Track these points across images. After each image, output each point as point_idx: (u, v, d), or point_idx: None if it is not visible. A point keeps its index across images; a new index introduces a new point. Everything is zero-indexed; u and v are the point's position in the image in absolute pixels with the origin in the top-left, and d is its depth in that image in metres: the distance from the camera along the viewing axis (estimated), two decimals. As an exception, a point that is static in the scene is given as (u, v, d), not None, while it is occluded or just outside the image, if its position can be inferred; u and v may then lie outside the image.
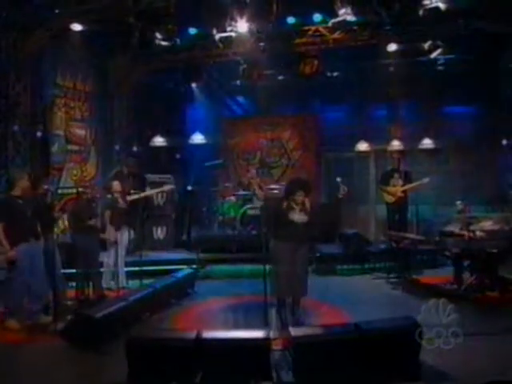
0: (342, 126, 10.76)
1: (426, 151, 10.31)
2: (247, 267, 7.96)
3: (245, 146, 11.51)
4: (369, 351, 4.32)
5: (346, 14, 6.90)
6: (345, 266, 8.47)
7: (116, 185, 7.31)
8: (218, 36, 7.49)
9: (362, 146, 10.54)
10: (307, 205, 5.43)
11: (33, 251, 5.58)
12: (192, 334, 4.28)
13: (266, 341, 4.19)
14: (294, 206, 5.34)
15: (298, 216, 5.30)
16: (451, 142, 10.14)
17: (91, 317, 4.90)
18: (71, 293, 6.55)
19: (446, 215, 9.87)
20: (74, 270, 6.64)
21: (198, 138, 10.62)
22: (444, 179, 10.02)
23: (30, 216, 5.64)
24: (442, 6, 6.30)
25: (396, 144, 10.34)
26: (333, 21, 7.28)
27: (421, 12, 6.53)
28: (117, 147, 10.12)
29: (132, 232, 7.36)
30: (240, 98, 11.42)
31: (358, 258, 8.49)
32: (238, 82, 10.63)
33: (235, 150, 11.47)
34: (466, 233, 6.49)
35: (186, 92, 10.72)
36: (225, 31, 7.35)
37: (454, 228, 6.83)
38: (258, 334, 4.37)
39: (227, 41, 7.40)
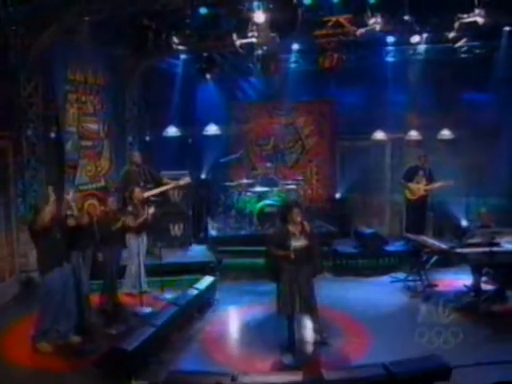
0: (358, 113, 10.41)
1: (444, 141, 10.08)
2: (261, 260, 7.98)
3: (259, 132, 11.27)
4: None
5: (375, 24, 6.54)
6: (360, 262, 8.57)
7: (138, 192, 7.24)
8: (238, 42, 7.09)
9: (379, 135, 10.30)
10: (307, 228, 5.52)
11: (65, 275, 5.73)
12: (227, 378, 4.41)
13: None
14: (294, 230, 5.45)
15: (297, 242, 5.41)
16: (469, 132, 9.87)
17: (124, 350, 4.99)
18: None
19: (463, 206, 9.90)
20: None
21: (212, 129, 10.38)
22: (461, 170, 9.86)
23: (60, 240, 5.70)
24: (480, 20, 5.92)
25: (413, 134, 10.12)
26: (361, 30, 6.88)
27: (457, 25, 6.16)
28: (129, 138, 9.95)
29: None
30: (254, 82, 11.01)
31: (374, 257, 8.56)
32: (252, 66, 10.26)
33: (249, 136, 11.24)
34: (488, 247, 6.48)
35: (199, 78, 10.34)
36: (246, 37, 6.94)
37: (477, 240, 6.78)
38: (292, 377, 4.50)
39: (249, 47, 7.04)
